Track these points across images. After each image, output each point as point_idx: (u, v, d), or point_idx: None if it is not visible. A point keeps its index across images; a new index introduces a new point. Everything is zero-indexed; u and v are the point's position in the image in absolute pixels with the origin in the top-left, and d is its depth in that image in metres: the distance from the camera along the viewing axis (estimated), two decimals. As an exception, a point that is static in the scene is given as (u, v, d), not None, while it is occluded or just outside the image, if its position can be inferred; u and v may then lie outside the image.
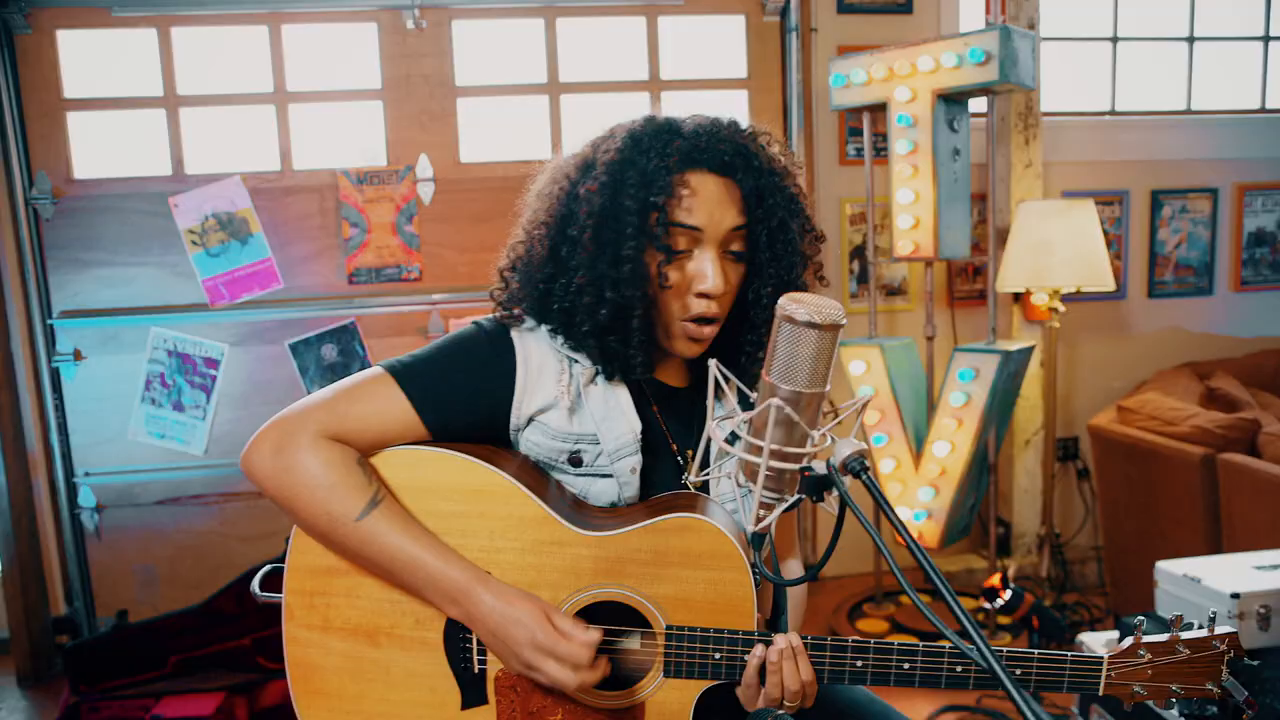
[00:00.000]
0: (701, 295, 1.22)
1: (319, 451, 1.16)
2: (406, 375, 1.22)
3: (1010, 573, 3.28)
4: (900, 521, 0.91)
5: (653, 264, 1.20)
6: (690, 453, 1.33)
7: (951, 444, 3.23)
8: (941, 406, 3.25)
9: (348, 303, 3.67)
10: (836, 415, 0.97)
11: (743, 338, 1.30)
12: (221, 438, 3.64)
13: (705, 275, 1.21)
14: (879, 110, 3.36)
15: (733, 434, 0.94)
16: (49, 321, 3.51)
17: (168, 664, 3.20)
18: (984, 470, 3.35)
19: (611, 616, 1.22)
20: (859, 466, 0.88)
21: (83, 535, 3.64)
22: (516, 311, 1.28)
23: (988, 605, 2.92)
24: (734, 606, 1.17)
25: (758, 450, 0.90)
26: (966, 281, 4.06)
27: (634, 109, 3.67)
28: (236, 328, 3.62)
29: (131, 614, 3.59)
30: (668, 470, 1.32)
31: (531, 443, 1.28)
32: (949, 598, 0.86)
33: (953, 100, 3.18)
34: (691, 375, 1.40)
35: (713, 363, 0.94)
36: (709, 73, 3.88)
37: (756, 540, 0.96)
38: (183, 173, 3.57)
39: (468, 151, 3.74)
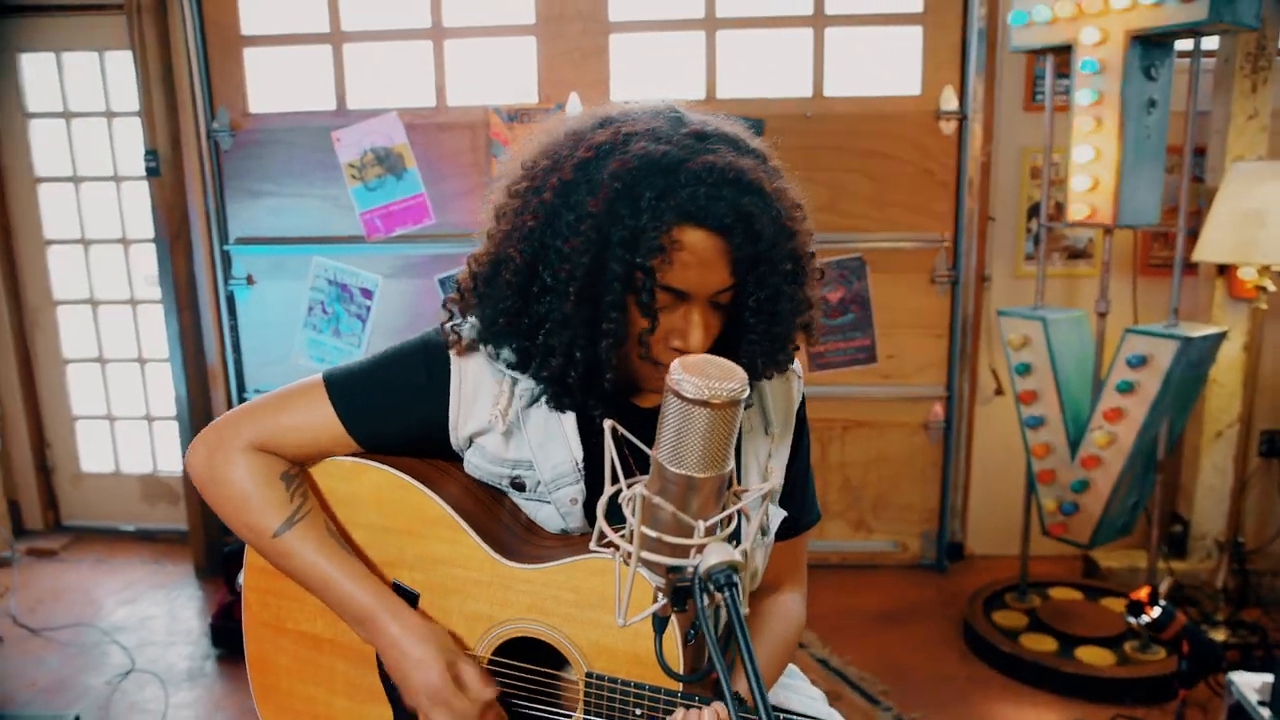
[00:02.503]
0: (679, 349, 1.08)
1: (244, 462, 1.15)
2: (339, 388, 1.18)
3: (1165, 586, 2.91)
4: (755, 667, 0.73)
5: (633, 322, 1.07)
6: None
7: (1112, 435, 2.89)
8: (1105, 393, 2.90)
9: (494, 241, 3.69)
10: (740, 494, 0.82)
11: None
12: (373, 366, 3.80)
13: (687, 336, 1.07)
14: (1065, 53, 2.96)
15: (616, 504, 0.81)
16: (225, 247, 3.76)
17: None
18: (1150, 467, 2.98)
19: (535, 654, 1.15)
20: (724, 580, 0.73)
21: (252, 446, 3.93)
22: (466, 337, 1.17)
23: (1131, 620, 2.62)
24: (656, 661, 1.07)
25: (646, 532, 0.77)
26: (1165, 247, 3.58)
27: (797, 46, 3.46)
28: (390, 260, 3.74)
29: (291, 522, 3.88)
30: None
31: (473, 465, 1.21)
32: None
33: (1151, 43, 2.74)
34: None
35: (609, 424, 0.81)
36: (880, 6, 3.55)
37: (659, 624, 0.84)
38: (345, 108, 3.68)
39: (619, 90, 3.65)
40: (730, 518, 0.79)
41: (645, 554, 0.76)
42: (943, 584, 3.68)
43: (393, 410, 1.18)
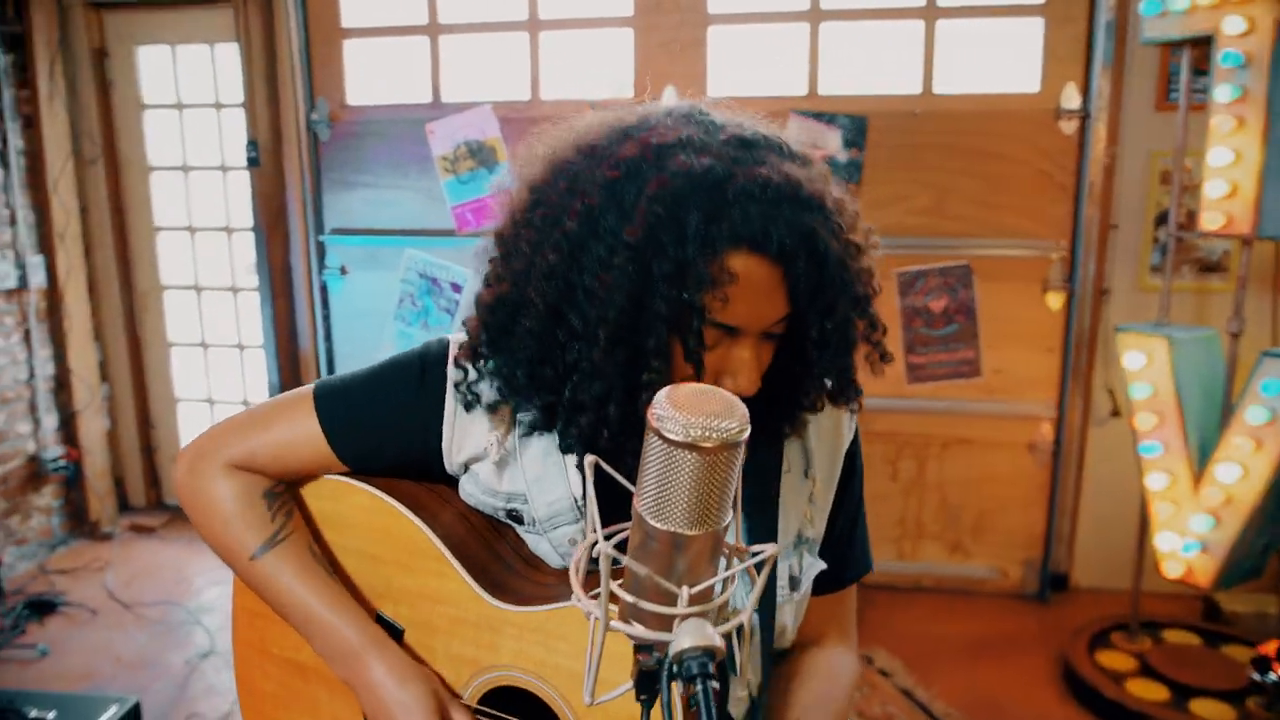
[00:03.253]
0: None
1: (224, 481, 1.07)
2: (327, 401, 1.07)
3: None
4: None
5: (676, 368, 0.93)
6: None
7: (1244, 468, 2.61)
8: (1236, 421, 2.63)
9: (584, 238, 3.62)
10: (742, 556, 0.67)
11: (775, 392, 1.01)
12: (459, 360, 3.78)
13: (737, 376, 0.92)
14: (1204, 46, 2.70)
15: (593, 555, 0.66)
16: (320, 238, 3.79)
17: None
18: (1286, 506, 2.69)
19: (525, 707, 1.03)
20: (697, 669, 0.58)
21: (341, 435, 3.97)
22: (486, 400, 1.02)
23: (1256, 677, 2.36)
24: None
25: (622, 596, 0.64)
26: (1313, 262, 3.24)
27: (906, 39, 3.27)
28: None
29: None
30: None
31: (467, 493, 1.10)
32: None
33: (1305, 35, 2.47)
34: None
35: (589, 461, 0.68)
36: (997, -3, 3.33)
37: (646, 691, 0.69)
38: (440, 101, 3.67)
39: (716, 85, 3.53)
40: (727, 583, 0.65)
41: (619, 625, 0.64)
42: (1044, 616, 3.43)
43: (381, 430, 1.07)
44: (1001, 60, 3.38)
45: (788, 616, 1.09)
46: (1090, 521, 3.55)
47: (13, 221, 3.79)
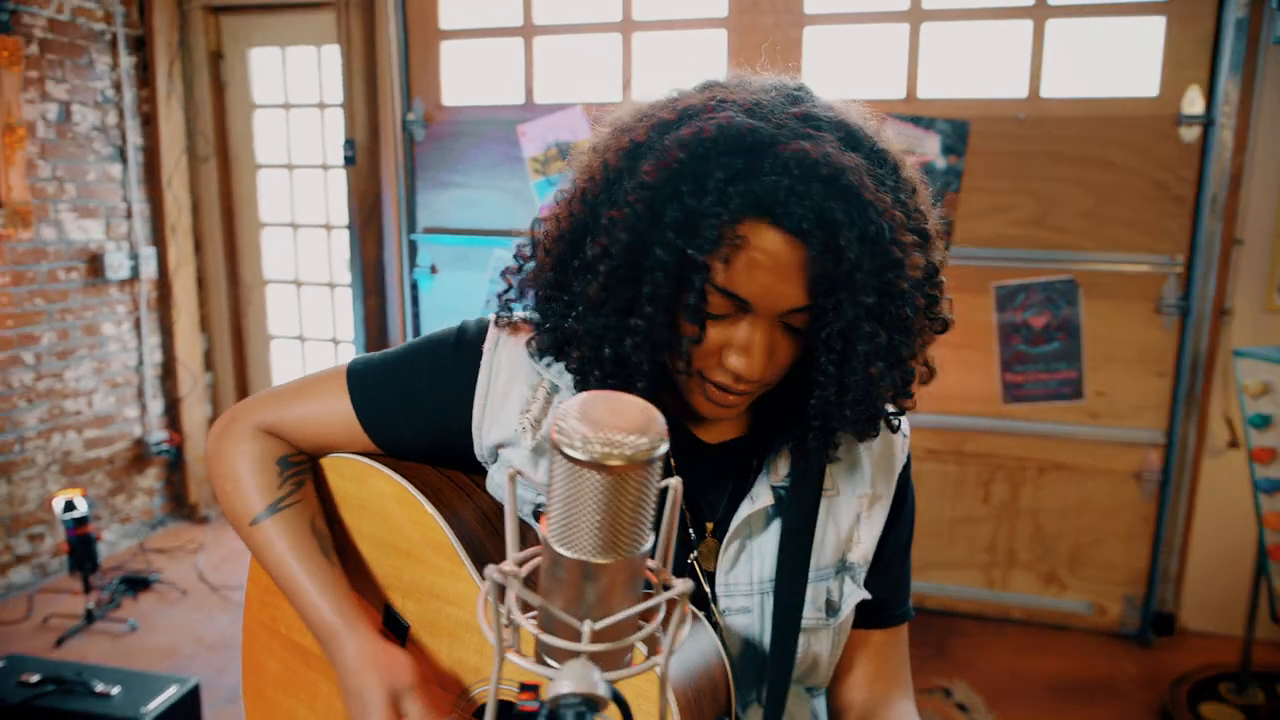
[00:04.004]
0: (734, 371, 0.89)
1: (245, 443, 1.05)
2: (359, 377, 1.04)
3: None
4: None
5: (679, 326, 0.89)
6: (710, 525, 1.00)
7: (1374, 511, 2.37)
8: (1367, 459, 2.39)
9: (669, 242, 3.57)
10: (664, 586, 0.59)
11: (797, 401, 0.94)
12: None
13: (742, 357, 0.87)
14: (1344, 45, 2.47)
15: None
16: (411, 236, 3.85)
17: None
18: None
19: None
20: (572, 717, 0.50)
21: (425, 431, 4.03)
22: (517, 317, 1.01)
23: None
24: None
25: (525, 626, 0.57)
26: None
27: (1012, 40, 3.10)
28: (566, 257, 3.69)
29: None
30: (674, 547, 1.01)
31: (496, 483, 1.04)
32: None
33: None
34: (746, 424, 1.04)
35: (509, 471, 0.58)
36: (1114, -5, 3.13)
37: None
38: (532, 102, 3.68)
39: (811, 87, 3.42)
40: (648, 618, 0.57)
41: (514, 658, 0.57)
42: (1144, 659, 3.20)
43: (411, 405, 1.03)
44: (1116, 62, 3.17)
45: (823, 645, 1.01)
46: (1201, 560, 3.30)
47: (129, 215, 3.98)
